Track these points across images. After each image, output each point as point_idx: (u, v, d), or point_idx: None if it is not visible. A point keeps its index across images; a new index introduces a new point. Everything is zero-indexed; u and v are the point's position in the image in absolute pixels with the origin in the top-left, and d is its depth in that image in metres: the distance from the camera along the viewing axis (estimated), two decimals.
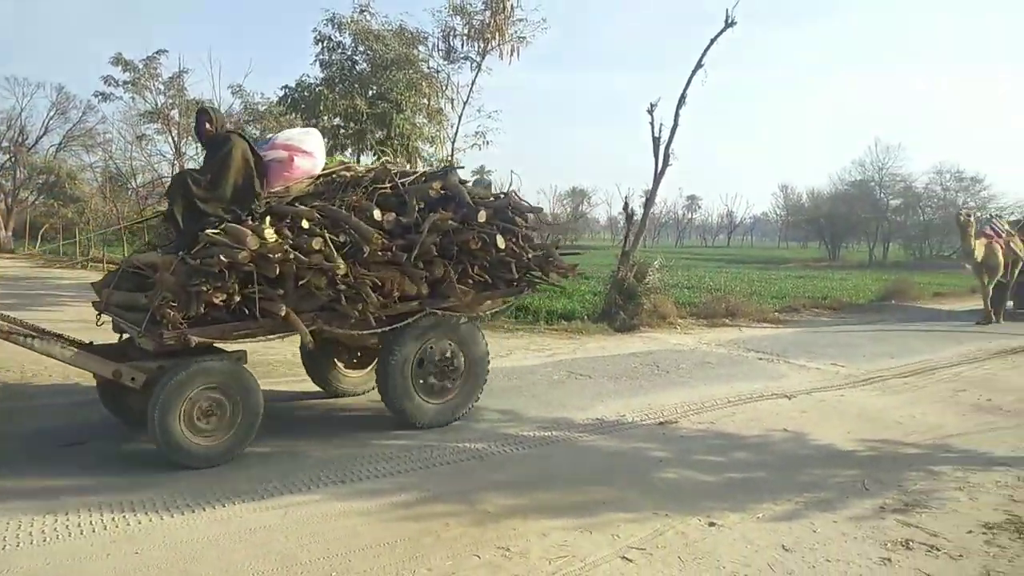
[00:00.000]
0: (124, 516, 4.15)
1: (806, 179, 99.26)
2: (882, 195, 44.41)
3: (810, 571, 3.71)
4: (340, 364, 7.05)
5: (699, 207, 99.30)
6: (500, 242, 5.95)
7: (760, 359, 9.82)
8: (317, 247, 5.10)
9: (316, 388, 7.12)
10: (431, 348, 6.00)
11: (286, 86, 13.25)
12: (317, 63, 13.02)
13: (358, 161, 14.14)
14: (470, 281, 6.05)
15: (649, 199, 13.84)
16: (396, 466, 5.11)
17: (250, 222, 5.19)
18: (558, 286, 8.09)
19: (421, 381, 5.97)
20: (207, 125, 5.64)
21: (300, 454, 5.35)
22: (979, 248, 13.98)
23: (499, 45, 11.49)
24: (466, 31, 11.62)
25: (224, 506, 4.32)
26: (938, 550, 3.97)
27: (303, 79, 13.11)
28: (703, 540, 4.04)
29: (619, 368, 8.93)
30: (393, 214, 5.63)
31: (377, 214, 5.54)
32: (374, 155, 13.37)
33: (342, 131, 13.33)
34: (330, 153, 14.61)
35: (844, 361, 9.67)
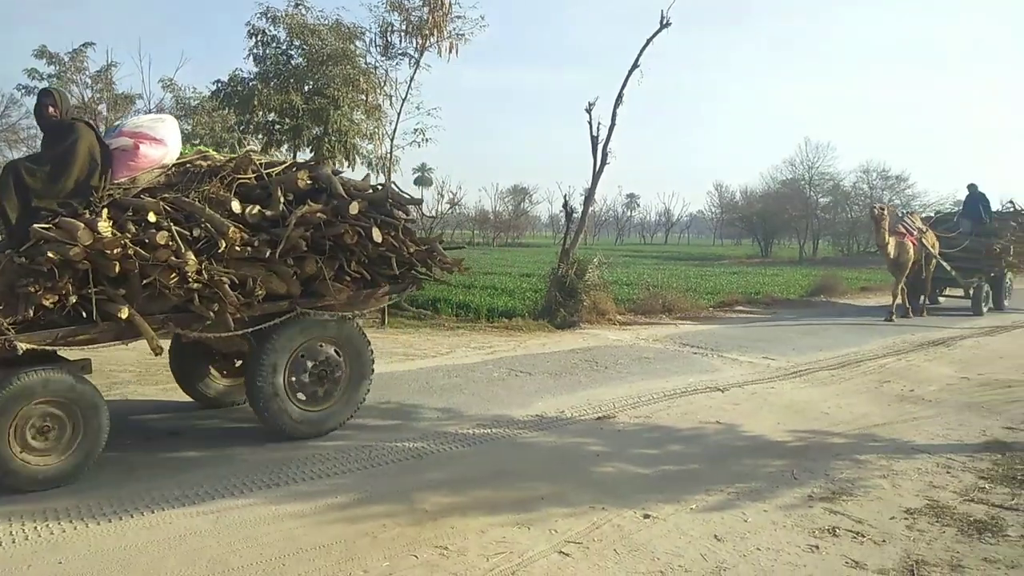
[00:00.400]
0: (47, 524, 3.98)
1: (740, 178, 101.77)
2: (812, 193, 45.83)
3: (741, 560, 3.81)
4: (214, 371, 6.52)
5: (638, 205, 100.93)
6: (376, 235, 5.52)
7: (695, 353, 10.03)
8: (163, 242, 4.61)
9: None
10: (307, 351, 5.57)
11: (218, 80, 12.91)
12: (251, 57, 12.73)
13: (295, 158, 13.91)
14: (347, 278, 5.66)
15: (588, 197, 13.97)
16: (332, 467, 5.04)
17: (87, 215, 4.67)
18: (443, 282, 7.79)
19: (295, 387, 5.53)
20: (50, 109, 5.06)
21: (233, 457, 5.22)
22: (892, 245, 13.98)
23: (437, 42, 11.41)
24: (404, 27, 11.53)
25: (153, 512, 4.19)
26: (863, 536, 4.12)
27: (236, 73, 12.81)
28: (638, 532, 4.11)
29: (559, 365, 9.00)
30: (257, 207, 5.19)
31: (236, 206, 5.08)
32: (311, 151, 13.14)
33: (277, 127, 13.04)
34: (265, 150, 14.35)
35: (775, 354, 9.96)
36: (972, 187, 17.37)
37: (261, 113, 12.81)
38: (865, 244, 43.17)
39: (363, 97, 12.59)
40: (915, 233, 14.58)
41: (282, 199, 5.32)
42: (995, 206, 17.50)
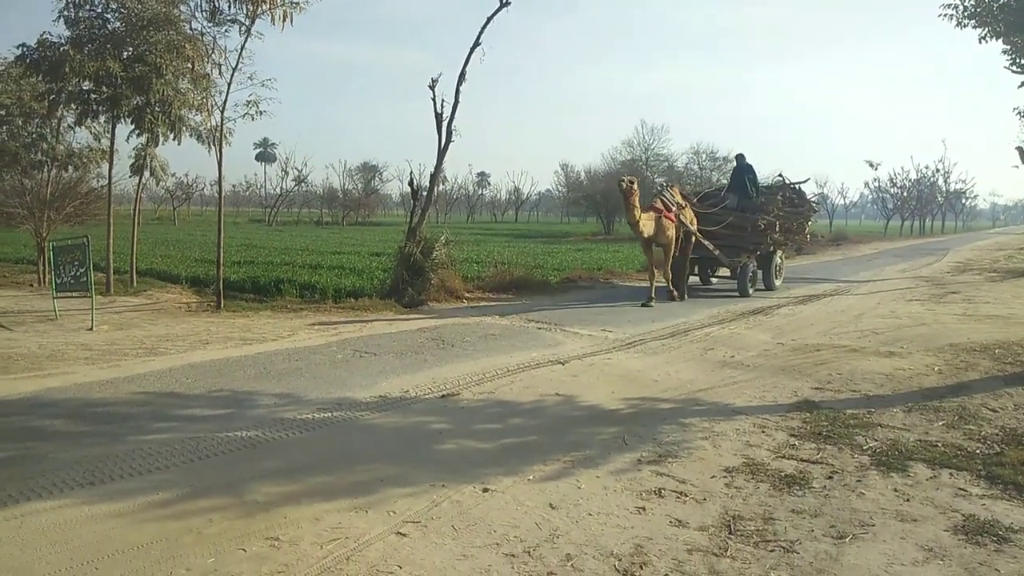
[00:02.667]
0: None
1: (585, 158, 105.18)
2: (648, 173, 48.20)
3: (574, 526, 3.95)
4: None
5: (488, 184, 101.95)
6: None
7: (539, 328, 10.30)
8: None
9: (64, 383, 6.37)
10: None
11: (23, 44, 11.58)
12: (61, 20, 11.52)
13: (114, 129, 12.79)
14: None
15: (434, 175, 13.89)
16: (155, 462, 4.71)
17: None
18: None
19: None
20: None
21: (42, 456, 4.79)
22: (646, 222, 12.74)
23: (270, 9, 10.75)
24: None
25: None
26: (686, 496, 4.40)
27: (44, 37, 11.53)
28: (477, 507, 4.16)
29: (405, 344, 8.93)
30: None
31: None
32: (131, 123, 12.12)
33: (93, 96, 11.92)
34: (80, 121, 13.09)
35: (612, 327, 10.42)
36: (739, 158, 16.32)
37: (75, 81, 11.64)
38: None
39: (189, 65, 11.74)
40: (674, 209, 13.40)
41: None
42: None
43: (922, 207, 65.03)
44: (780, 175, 17.47)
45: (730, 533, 3.87)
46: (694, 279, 16.21)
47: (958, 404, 6.47)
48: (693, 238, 14.05)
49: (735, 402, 6.58)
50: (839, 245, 38.65)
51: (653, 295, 12.89)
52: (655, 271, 13.46)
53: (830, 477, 4.71)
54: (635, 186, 12.43)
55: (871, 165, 70.80)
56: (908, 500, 4.34)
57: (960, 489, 4.52)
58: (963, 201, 74.43)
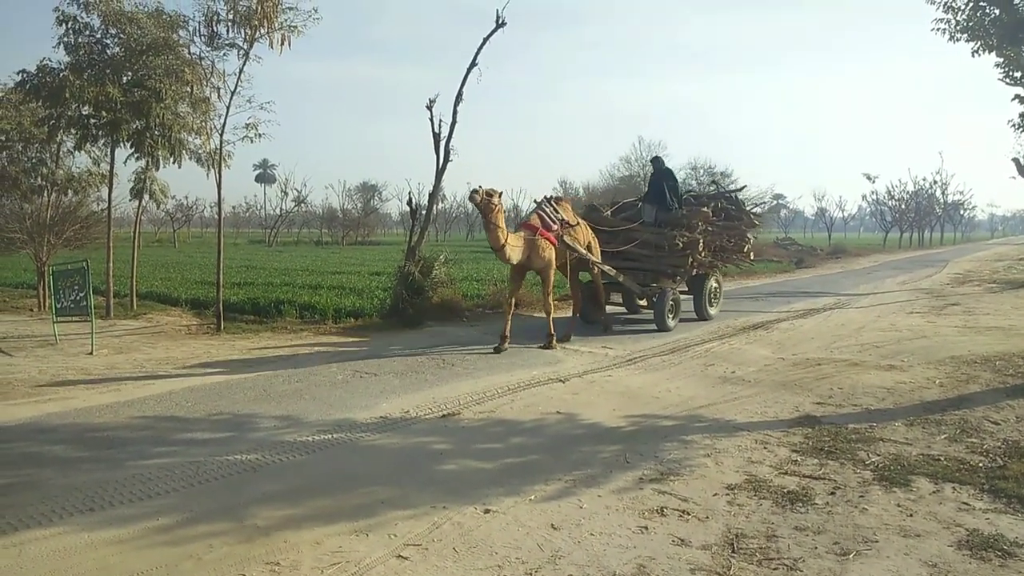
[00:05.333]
0: None
1: (584, 174, 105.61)
2: (646, 188, 48.26)
3: (575, 547, 3.93)
4: None
5: None
6: None
7: (540, 346, 10.27)
8: None
9: (64, 408, 6.35)
10: None
11: (23, 71, 11.68)
12: (61, 46, 11.62)
13: (113, 153, 12.85)
14: None
15: (432, 194, 13.92)
16: (155, 487, 4.69)
17: None
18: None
19: None
20: None
21: (41, 483, 4.77)
22: (513, 246, 9.79)
23: (268, 33, 10.85)
24: (231, 17, 10.89)
25: None
26: (688, 514, 4.38)
27: (44, 63, 11.63)
28: (478, 528, 4.14)
29: (405, 364, 8.92)
30: None
31: None
32: (131, 147, 12.18)
33: (93, 121, 11.99)
34: (79, 146, 13.16)
35: (612, 343, 10.41)
36: (655, 161, 13.55)
37: (75, 106, 11.72)
38: None
39: (188, 89, 11.82)
40: (555, 227, 10.42)
41: None
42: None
43: (920, 219, 65.10)
44: (714, 181, 15.27)
45: (733, 551, 3.85)
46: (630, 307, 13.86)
47: (960, 417, 6.46)
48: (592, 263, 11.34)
49: (737, 418, 6.56)
50: (838, 258, 38.75)
51: (507, 334, 9.95)
52: (511, 306, 10.37)
53: (833, 493, 4.69)
54: (496, 200, 9.56)
55: (869, 178, 71.02)
56: (911, 515, 4.32)
57: (963, 503, 4.50)
58: (961, 212, 74.49)
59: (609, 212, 13.05)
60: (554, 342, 10.14)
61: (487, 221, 9.67)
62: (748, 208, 14.56)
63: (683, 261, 12.19)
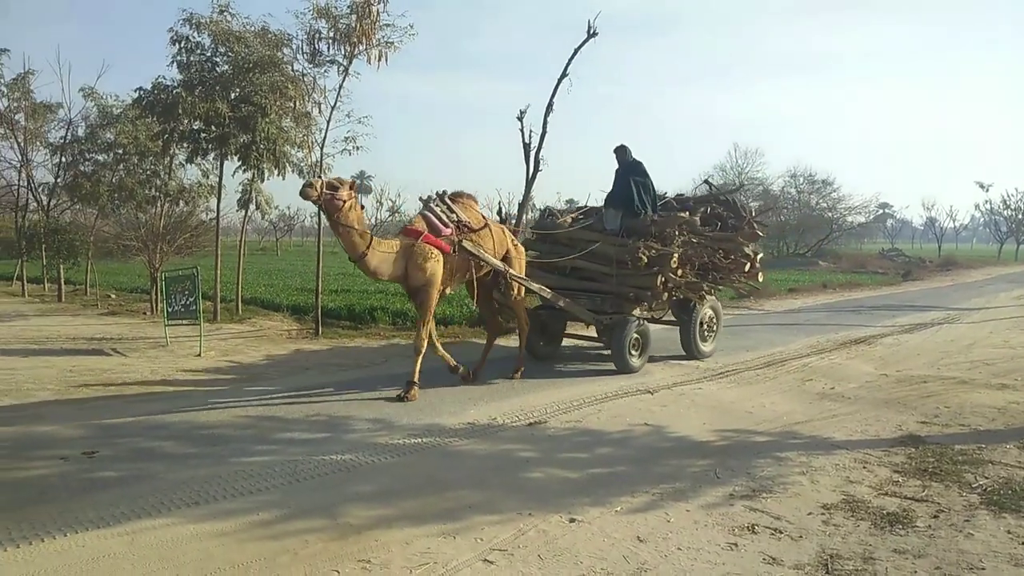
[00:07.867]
0: None
1: (674, 184, 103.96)
2: (742, 198, 47.01)
3: (662, 560, 3.87)
4: None
5: None
6: None
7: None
8: None
9: (173, 406, 6.73)
10: None
11: (140, 88, 12.54)
12: (175, 64, 12.41)
13: (222, 166, 13.59)
14: None
15: (522, 203, 14.06)
16: (256, 484, 4.92)
17: None
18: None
19: None
20: None
21: (151, 476, 5.07)
22: (380, 257, 7.41)
23: (366, 49, 11.28)
24: (332, 35, 11.37)
25: (65, 536, 4.02)
26: (780, 533, 4.24)
27: (159, 81, 12.46)
28: (563, 537, 4.14)
29: (493, 371, 9.00)
30: None
31: None
32: (238, 160, 12.85)
33: (203, 135, 12.74)
34: (191, 159, 13.98)
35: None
36: (620, 151, 9.95)
37: (187, 121, 12.48)
38: (794, 246, 44.63)
39: (291, 104, 12.39)
40: (447, 231, 7.87)
41: None
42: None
43: None
44: (706, 181, 12.98)
45: (827, 573, 3.70)
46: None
47: None
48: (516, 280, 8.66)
49: (835, 436, 6.31)
50: (948, 270, 36.70)
51: (415, 378, 7.65)
52: (424, 336, 7.80)
53: (936, 516, 4.45)
54: (345, 193, 7.12)
55: (982, 186, 66.76)
56: (1022, 543, 4.04)
57: None
58: None
59: (570, 218, 10.20)
60: (414, 391, 7.53)
61: (334, 223, 7.23)
62: (752, 215, 11.04)
63: (649, 281, 9.08)
